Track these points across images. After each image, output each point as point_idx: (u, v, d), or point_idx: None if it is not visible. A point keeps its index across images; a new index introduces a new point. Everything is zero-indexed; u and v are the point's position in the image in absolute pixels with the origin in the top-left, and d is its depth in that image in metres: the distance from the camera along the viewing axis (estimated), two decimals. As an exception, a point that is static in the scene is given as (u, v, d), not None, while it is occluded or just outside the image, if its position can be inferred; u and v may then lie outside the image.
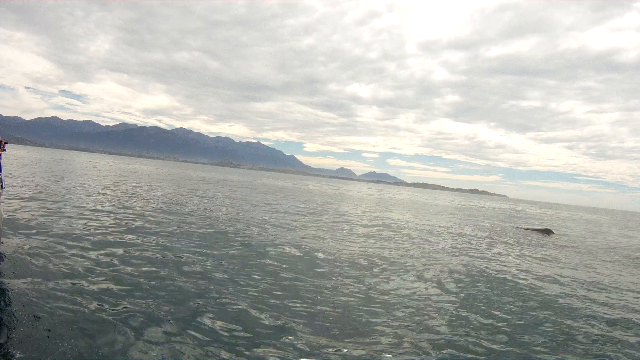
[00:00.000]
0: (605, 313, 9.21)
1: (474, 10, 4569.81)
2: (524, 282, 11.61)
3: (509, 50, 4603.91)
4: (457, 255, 15.15)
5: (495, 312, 8.50)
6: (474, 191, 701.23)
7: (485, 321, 7.88)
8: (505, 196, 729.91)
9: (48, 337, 5.45)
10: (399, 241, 17.53)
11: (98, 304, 6.67)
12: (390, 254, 14.06)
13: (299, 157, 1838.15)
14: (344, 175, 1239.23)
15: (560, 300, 9.91)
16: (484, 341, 6.87)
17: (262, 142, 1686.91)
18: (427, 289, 9.95)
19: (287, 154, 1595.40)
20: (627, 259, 19.57)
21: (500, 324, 7.80)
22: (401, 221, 27.34)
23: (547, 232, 28.89)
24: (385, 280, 10.33)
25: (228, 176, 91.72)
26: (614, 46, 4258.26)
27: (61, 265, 8.41)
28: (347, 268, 11.19)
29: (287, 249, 12.72)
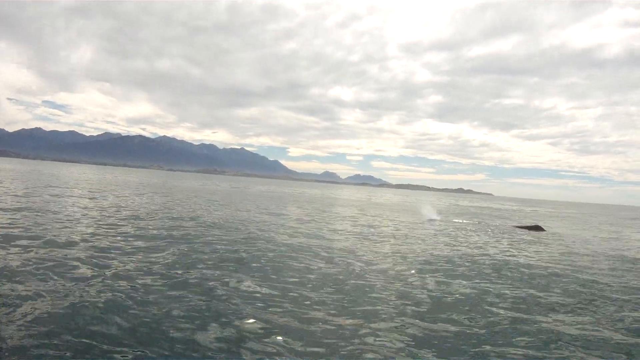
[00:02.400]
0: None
1: (455, 10, 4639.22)
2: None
3: (491, 50, 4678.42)
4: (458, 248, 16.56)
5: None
6: (459, 190, 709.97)
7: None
8: (491, 194, 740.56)
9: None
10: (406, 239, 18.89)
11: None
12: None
13: (283, 162, 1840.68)
14: (329, 178, 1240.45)
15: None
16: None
17: (246, 148, 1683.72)
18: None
19: (272, 159, 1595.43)
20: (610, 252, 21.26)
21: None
22: (399, 221, 28.76)
23: (537, 228, 30.48)
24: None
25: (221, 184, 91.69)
26: (595, 42, 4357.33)
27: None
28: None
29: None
